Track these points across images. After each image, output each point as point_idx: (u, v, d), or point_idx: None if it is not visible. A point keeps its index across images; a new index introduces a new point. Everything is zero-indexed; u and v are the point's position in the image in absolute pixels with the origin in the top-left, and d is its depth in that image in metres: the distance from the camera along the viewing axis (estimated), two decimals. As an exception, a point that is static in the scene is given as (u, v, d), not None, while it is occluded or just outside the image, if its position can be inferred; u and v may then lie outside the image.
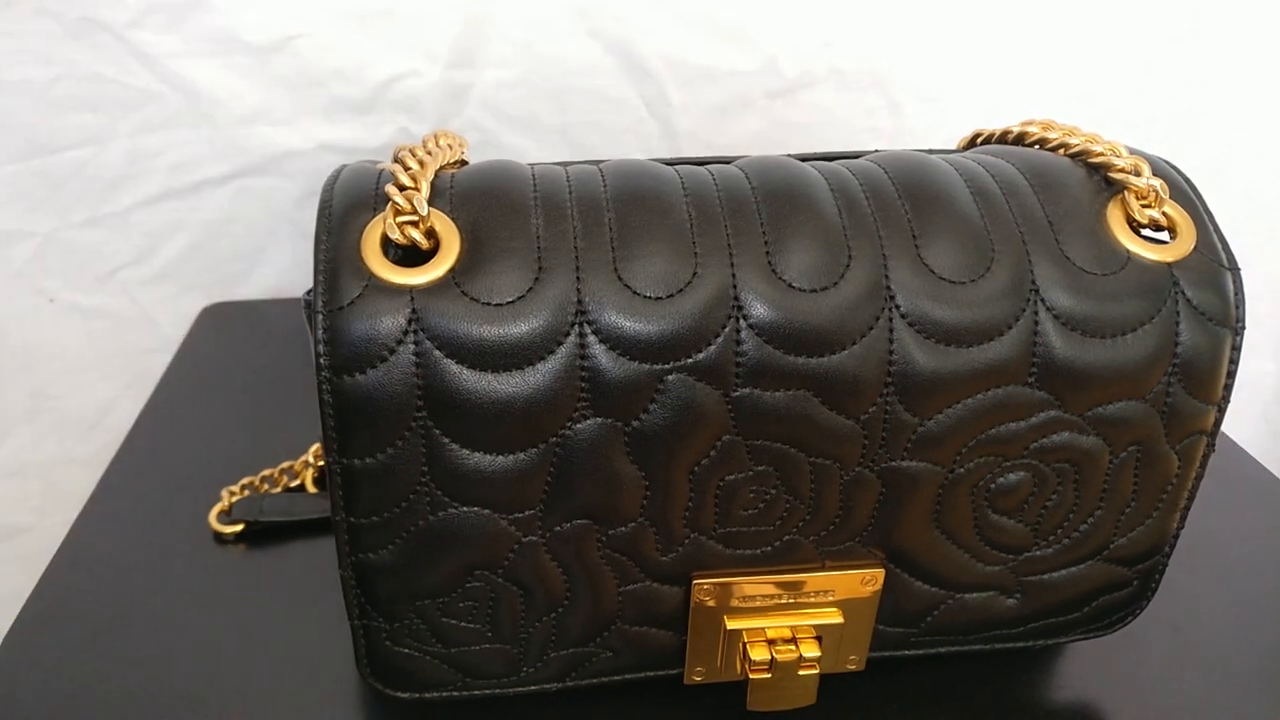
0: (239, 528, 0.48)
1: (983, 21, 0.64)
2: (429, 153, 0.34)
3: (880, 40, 0.63)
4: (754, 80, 0.63)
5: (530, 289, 0.31)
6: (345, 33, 0.61)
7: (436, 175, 0.33)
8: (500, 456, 0.31)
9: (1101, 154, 0.35)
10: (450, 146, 0.36)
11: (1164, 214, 0.34)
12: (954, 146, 0.41)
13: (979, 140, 0.40)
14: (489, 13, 0.60)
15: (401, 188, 0.31)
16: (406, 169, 0.32)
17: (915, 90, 0.65)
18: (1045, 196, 0.34)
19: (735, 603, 0.36)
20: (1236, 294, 0.34)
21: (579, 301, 0.31)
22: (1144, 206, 0.34)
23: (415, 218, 0.31)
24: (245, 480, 0.51)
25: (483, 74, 0.63)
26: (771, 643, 0.37)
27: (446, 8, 0.60)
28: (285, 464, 0.52)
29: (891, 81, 0.65)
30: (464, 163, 0.36)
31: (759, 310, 0.31)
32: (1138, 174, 0.34)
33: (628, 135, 0.64)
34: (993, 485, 0.35)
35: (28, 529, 0.74)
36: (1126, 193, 0.34)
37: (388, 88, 0.63)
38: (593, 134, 0.64)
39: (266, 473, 0.51)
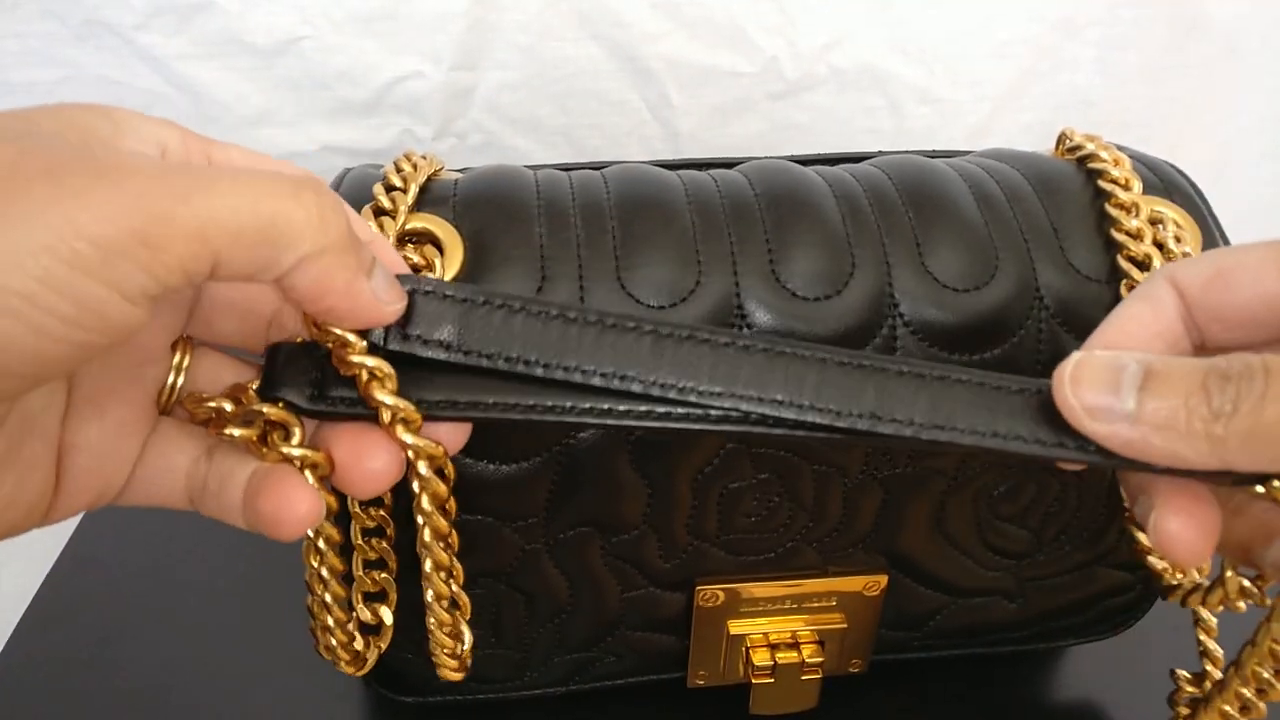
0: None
1: (984, 22, 0.64)
2: (413, 166, 0.33)
3: (881, 41, 0.63)
4: (755, 82, 0.63)
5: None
6: (350, 35, 0.61)
7: (440, 181, 0.33)
8: (503, 465, 0.31)
9: (1102, 161, 0.35)
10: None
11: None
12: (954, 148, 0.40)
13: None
14: (492, 16, 0.60)
15: (379, 211, 0.31)
16: (388, 190, 0.31)
17: (915, 91, 0.65)
18: (1049, 202, 0.34)
19: (738, 607, 0.36)
20: (1240, 300, 0.34)
21: (582, 310, 0.31)
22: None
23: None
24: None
25: (486, 76, 0.62)
26: (774, 647, 0.37)
27: (450, 10, 0.60)
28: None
29: (892, 82, 0.65)
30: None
31: (762, 318, 0.31)
32: (1126, 188, 0.34)
33: (630, 137, 0.64)
34: (995, 491, 0.35)
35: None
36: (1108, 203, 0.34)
37: (391, 90, 0.63)
38: (595, 136, 0.64)
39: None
